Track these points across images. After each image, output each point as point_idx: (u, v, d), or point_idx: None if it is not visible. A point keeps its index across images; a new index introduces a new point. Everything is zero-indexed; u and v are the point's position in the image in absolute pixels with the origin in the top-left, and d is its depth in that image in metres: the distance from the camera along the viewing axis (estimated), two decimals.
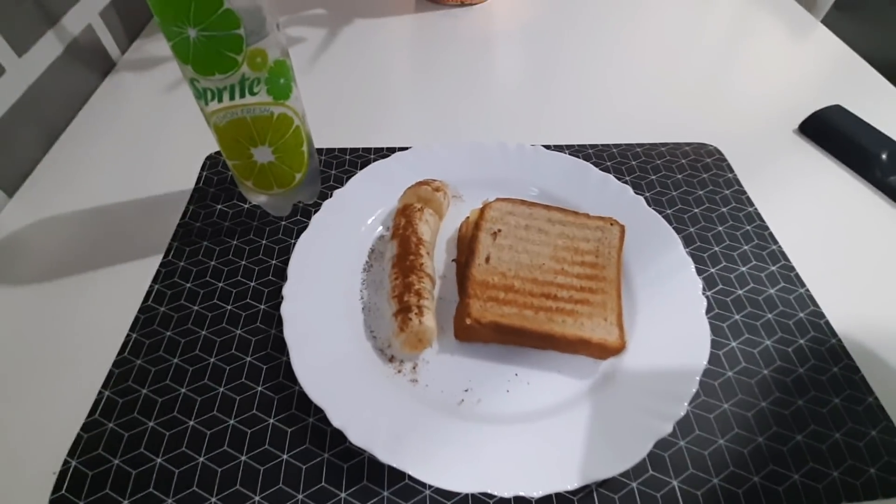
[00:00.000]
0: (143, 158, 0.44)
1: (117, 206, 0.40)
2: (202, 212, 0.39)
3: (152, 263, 0.36)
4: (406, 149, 0.44)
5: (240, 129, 0.31)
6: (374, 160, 0.43)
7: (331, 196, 0.37)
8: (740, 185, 0.42)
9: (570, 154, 0.43)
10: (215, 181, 0.42)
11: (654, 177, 0.42)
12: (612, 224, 0.35)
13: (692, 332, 0.30)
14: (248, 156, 0.32)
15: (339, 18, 0.62)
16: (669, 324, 0.31)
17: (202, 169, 0.43)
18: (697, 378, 0.28)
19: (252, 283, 0.35)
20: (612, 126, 0.48)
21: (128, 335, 0.32)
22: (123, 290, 0.35)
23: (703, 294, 0.32)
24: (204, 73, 0.27)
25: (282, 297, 0.32)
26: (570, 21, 0.63)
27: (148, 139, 0.46)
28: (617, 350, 0.28)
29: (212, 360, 0.31)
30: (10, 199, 0.41)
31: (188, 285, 0.35)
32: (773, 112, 0.50)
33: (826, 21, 0.68)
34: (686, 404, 0.27)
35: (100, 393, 0.29)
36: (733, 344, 0.32)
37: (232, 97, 0.29)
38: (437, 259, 0.35)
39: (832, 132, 0.46)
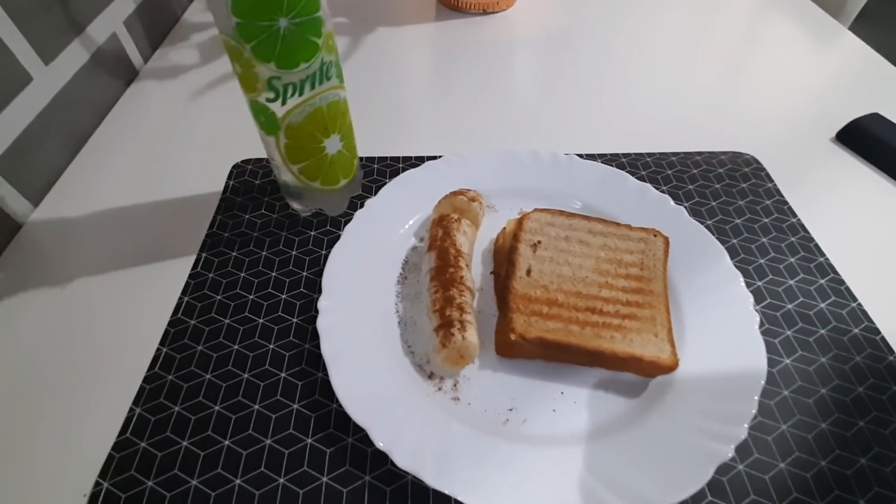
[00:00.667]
0: (167, 167, 0.44)
1: (143, 217, 0.40)
2: (230, 222, 0.39)
3: (181, 275, 0.35)
4: (434, 157, 0.43)
5: (315, 121, 0.30)
6: (403, 169, 0.43)
7: (362, 206, 0.37)
8: (781, 195, 0.40)
9: (602, 163, 0.42)
10: (242, 190, 0.41)
11: (691, 186, 0.41)
12: (655, 235, 0.33)
13: (746, 349, 0.29)
14: (320, 150, 0.32)
15: (362, 27, 0.62)
16: (721, 340, 0.29)
17: (229, 178, 0.42)
18: (756, 398, 0.26)
19: (283, 296, 0.34)
20: (641, 134, 0.47)
21: (158, 349, 0.31)
22: (152, 302, 0.34)
23: (755, 308, 0.31)
24: (289, 66, 0.26)
25: (316, 311, 0.31)
26: (594, 28, 0.63)
27: (172, 148, 0.46)
28: (670, 368, 0.27)
29: (245, 375, 0.30)
30: (35, 208, 0.40)
31: (218, 297, 0.34)
32: (807, 120, 0.49)
33: (851, 29, 0.67)
34: (746, 426, 0.25)
35: (131, 410, 0.28)
36: (787, 361, 0.31)
37: (312, 86, 0.28)
38: (473, 271, 0.34)
39: (872, 140, 0.44)
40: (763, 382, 0.27)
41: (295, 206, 0.37)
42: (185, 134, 0.47)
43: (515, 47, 0.60)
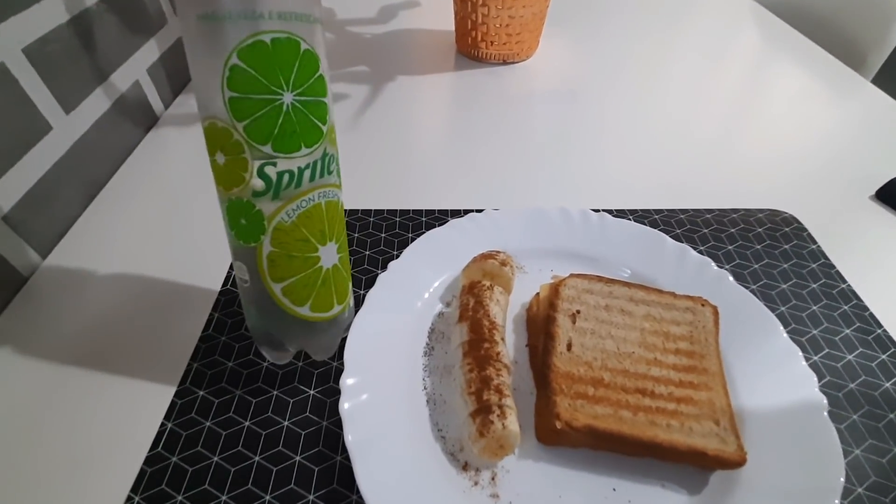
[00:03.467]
0: (181, 216, 0.42)
1: (153, 270, 0.38)
2: None
3: (191, 338, 0.33)
4: (456, 210, 0.42)
5: (312, 222, 0.24)
6: (426, 222, 0.41)
7: (385, 268, 0.34)
8: (827, 258, 0.38)
9: (634, 220, 0.41)
10: None
11: (730, 247, 0.39)
12: (703, 305, 0.31)
13: (817, 439, 0.26)
14: (314, 261, 0.25)
15: (382, 75, 0.62)
16: (787, 427, 0.26)
17: None
18: (837, 501, 0.23)
19: (300, 363, 0.31)
20: (670, 189, 0.45)
21: (162, 424, 0.28)
22: (158, 369, 0.31)
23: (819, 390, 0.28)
24: (289, 149, 0.22)
25: (336, 384, 0.28)
26: (616, 78, 0.63)
27: (186, 196, 0.44)
28: (737, 464, 0.24)
29: (256, 458, 0.27)
30: (43, 260, 0.38)
31: (230, 364, 0.31)
32: (842, 177, 0.47)
33: (874, 81, 0.67)
34: None
35: (129, 498, 0.25)
36: (857, 452, 0.28)
37: (312, 178, 0.23)
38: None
39: None
40: (842, 480, 0.24)
41: (267, 352, 0.30)
42: (200, 181, 0.46)
43: (536, 97, 0.59)
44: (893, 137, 0.53)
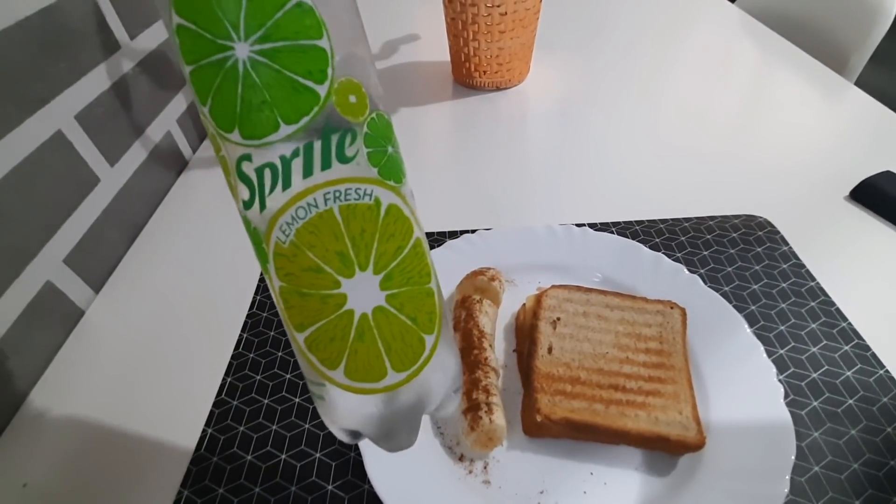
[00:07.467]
0: (213, 249, 0.48)
1: (191, 298, 0.43)
2: (268, 301, 0.42)
3: (224, 356, 0.38)
4: (453, 231, 0.46)
5: (321, 241, 0.16)
6: None
7: None
8: (798, 259, 0.41)
9: (617, 232, 0.44)
10: None
11: (706, 252, 0.42)
12: (672, 308, 0.34)
13: (773, 423, 0.29)
14: (336, 303, 0.17)
15: (385, 106, 0.67)
16: (747, 414, 0.30)
17: None
18: (788, 477, 0.26)
19: None
20: (654, 200, 0.49)
21: (203, 430, 0.33)
22: (198, 383, 0.36)
23: (778, 379, 0.31)
24: (262, 133, 0.15)
25: None
26: (604, 98, 0.67)
27: (216, 232, 0.50)
28: (697, 447, 0.28)
29: (283, 456, 0.32)
30: (96, 295, 0.44)
31: (258, 377, 0.36)
32: (818, 180, 0.50)
33: (860, 78, 0.69)
34: None
35: (179, 492, 0.30)
36: (815, 434, 0.31)
37: (309, 171, 0.15)
38: (496, 348, 0.36)
39: (887, 199, 0.45)
40: (793, 458, 0.27)
41: (333, 429, 0.19)
42: (228, 218, 0.52)
43: (528, 120, 0.64)
44: (871, 137, 0.55)
